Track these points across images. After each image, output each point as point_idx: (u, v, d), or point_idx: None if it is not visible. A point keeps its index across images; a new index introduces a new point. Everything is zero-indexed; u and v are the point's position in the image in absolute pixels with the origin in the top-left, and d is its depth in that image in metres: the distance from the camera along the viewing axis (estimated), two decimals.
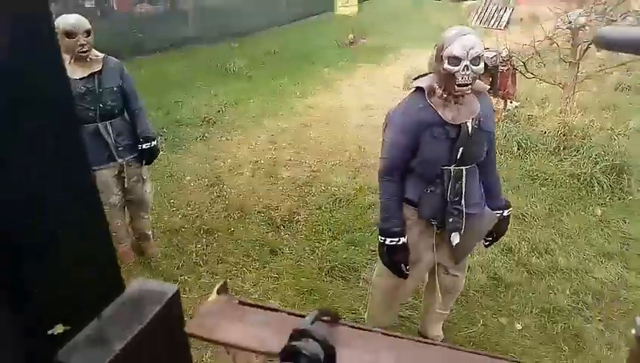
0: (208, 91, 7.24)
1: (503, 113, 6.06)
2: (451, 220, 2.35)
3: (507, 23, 11.35)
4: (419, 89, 2.27)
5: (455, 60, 2.10)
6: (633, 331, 0.68)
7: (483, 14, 11.97)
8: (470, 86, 2.14)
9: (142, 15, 10.31)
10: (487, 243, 2.62)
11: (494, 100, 6.18)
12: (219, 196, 4.68)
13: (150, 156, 3.40)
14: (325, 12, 12.74)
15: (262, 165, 5.23)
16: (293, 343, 0.50)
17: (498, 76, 6.21)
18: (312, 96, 7.22)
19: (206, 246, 3.94)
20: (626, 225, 4.13)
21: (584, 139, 5.28)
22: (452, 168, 2.28)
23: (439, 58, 2.17)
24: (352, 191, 4.67)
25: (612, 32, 0.64)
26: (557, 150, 5.21)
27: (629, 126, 5.69)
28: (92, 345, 0.41)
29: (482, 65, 2.14)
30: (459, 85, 2.12)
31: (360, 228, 4.12)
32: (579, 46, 5.96)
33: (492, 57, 6.24)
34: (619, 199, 4.50)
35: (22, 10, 0.38)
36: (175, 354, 0.49)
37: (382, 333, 0.56)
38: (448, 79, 2.15)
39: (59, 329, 0.41)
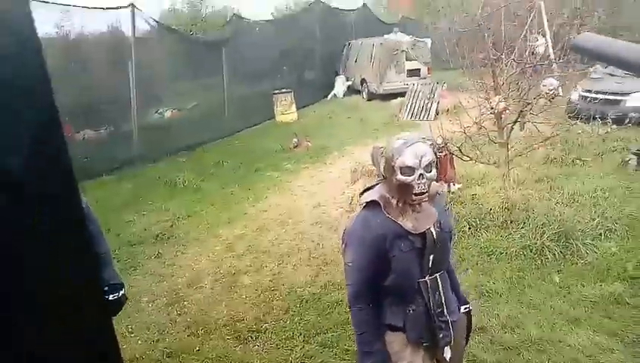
0: (159, 207, 7.17)
1: (449, 196, 6.34)
2: (441, 335, 2.16)
3: (436, 114, 12.25)
4: (372, 203, 2.14)
5: (409, 169, 2.04)
6: None
7: (412, 109, 12.89)
8: (427, 194, 2.07)
9: (85, 141, 10.33)
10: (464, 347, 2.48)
11: (437, 185, 6.50)
12: (179, 314, 4.47)
13: (117, 306, 2.96)
14: (267, 121, 13.30)
15: (222, 275, 5.10)
16: None
17: (437, 162, 6.57)
18: (264, 200, 7.30)
19: None
20: (584, 289, 4.26)
21: (527, 211, 5.56)
22: (427, 279, 2.13)
23: (390, 169, 2.09)
24: (317, 290, 4.61)
25: (587, 40, 0.70)
26: (505, 225, 5.44)
27: (564, 194, 6.08)
28: None
29: (434, 171, 2.09)
30: (417, 194, 2.05)
31: (331, 328, 4.01)
32: (504, 128, 6.48)
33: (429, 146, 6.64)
34: (572, 264, 4.68)
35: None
36: None
37: None
38: (403, 190, 2.07)
39: None
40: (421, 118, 12.39)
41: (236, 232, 6.18)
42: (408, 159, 2.04)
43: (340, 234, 2.29)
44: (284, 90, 13.82)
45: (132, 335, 4.14)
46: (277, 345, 3.91)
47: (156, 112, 13.11)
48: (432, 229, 2.12)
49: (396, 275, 2.10)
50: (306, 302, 4.44)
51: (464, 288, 4.30)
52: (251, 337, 4.02)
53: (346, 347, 3.69)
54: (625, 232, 5.13)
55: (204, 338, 4.04)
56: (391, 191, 2.13)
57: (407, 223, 2.09)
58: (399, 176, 2.05)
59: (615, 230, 5.17)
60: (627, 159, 7.27)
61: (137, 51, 10.06)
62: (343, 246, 2.22)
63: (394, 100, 13.74)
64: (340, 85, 16.67)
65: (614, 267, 4.57)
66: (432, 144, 6.42)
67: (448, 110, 11.60)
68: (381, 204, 2.11)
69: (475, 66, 6.85)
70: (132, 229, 6.42)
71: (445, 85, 12.85)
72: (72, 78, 9.50)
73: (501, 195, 5.96)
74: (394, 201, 2.12)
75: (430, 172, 2.07)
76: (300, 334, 3.99)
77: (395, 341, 2.17)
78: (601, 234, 5.10)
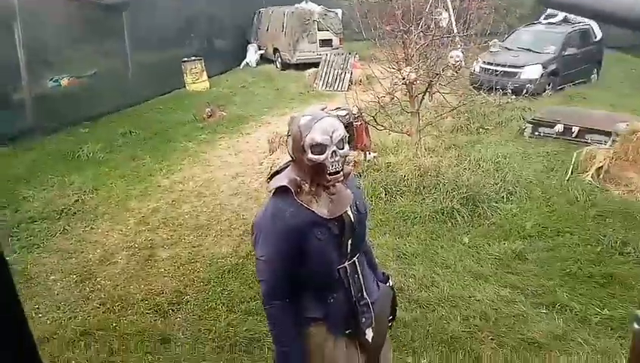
0: (61, 181, 6.61)
1: (365, 164, 6.51)
2: (363, 320, 2.05)
3: (350, 84, 12.43)
4: (282, 189, 1.93)
5: (320, 147, 1.85)
6: (635, 325, 0.72)
7: (326, 79, 12.96)
8: (341, 173, 1.91)
9: None
10: (389, 323, 2.32)
11: (354, 153, 6.64)
12: (92, 291, 4.23)
13: None
14: (176, 90, 12.69)
15: (138, 249, 4.87)
16: None
17: (354, 131, 6.71)
18: (178, 172, 7.02)
19: (86, 350, 3.49)
20: (490, 247, 4.62)
21: (438, 177, 5.86)
22: (346, 264, 2.00)
23: (299, 148, 1.89)
24: (239, 260, 4.56)
25: None
26: (418, 190, 5.70)
27: (470, 161, 6.48)
28: None
29: (347, 147, 1.92)
30: (331, 174, 1.88)
31: (255, 296, 3.99)
32: (415, 97, 6.74)
33: (345, 115, 6.75)
34: (479, 225, 5.04)
35: None
36: None
37: None
38: (317, 170, 1.89)
39: None
40: (335, 88, 12.51)
41: (150, 205, 5.90)
42: (317, 135, 1.85)
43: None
44: (193, 57, 13.22)
45: (40, 316, 3.84)
46: (199, 316, 3.83)
47: (51, 79, 12.01)
48: (349, 212, 1.98)
49: (314, 265, 1.94)
50: (228, 272, 4.38)
51: (384, 251, 4.49)
52: (172, 310, 3.91)
53: None
54: (523, 194, 5.60)
55: (121, 314, 3.86)
56: (302, 174, 1.93)
57: (322, 209, 1.91)
58: (310, 155, 1.86)
59: (515, 192, 5.62)
60: (523, 127, 7.90)
61: (23, 13, 9.06)
62: (253, 238, 2.01)
63: (308, 70, 13.70)
64: (253, 54, 16.29)
65: (515, 226, 4.99)
66: (348, 114, 6.46)
67: (360, 80, 11.81)
68: (292, 190, 1.90)
69: (385, 37, 7.00)
70: (32, 204, 5.89)
71: (357, 55, 13.02)
72: None
73: (414, 162, 6.23)
74: (306, 185, 1.92)
75: (343, 148, 1.89)
76: (224, 304, 3.94)
77: (317, 334, 2.02)
78: (503, 197, 5.53)
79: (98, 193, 6.27)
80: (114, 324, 3.73)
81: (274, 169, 2.09)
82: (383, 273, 2.34)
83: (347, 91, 11.11)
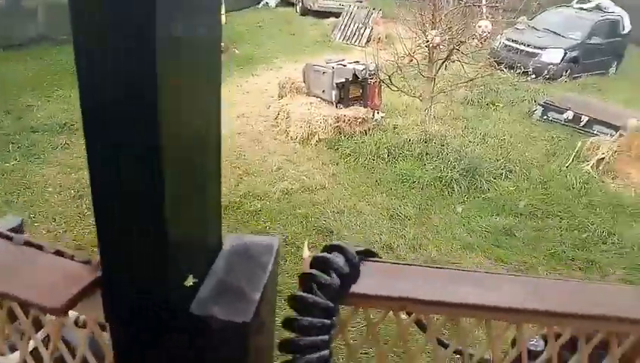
0: (66, 95, 6.56)
1: (372, 123, 6.49)
2: None
3: (368, 40, 12.18)
4: None
5: None
6: None
7: (345, 31, 12.69)
8: None
9: None
10: None
11: (363, 111, 6.60)
12: (89, 208, 4.28)
13: None
14: None
15: None
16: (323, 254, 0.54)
17: (367, 88, 6.65)
18: None
19: None
20: (482, 220, 4.70)
21: (442, 146, 5.88)
22: None
23: None
24: (236, 198, 4.63)
25: None
26: (420, 156, 5.72)
27: (476, 135, 6.48)
28: (226, 296, 0.42)
29: None
30: None
31: (249, 234, 4.08)
32: (435, 63, 6.64)
33: (361, 70, 6.66)
34: (475, 197, 5.10)
35: None
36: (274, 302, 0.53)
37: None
38: None
39: (190, 281, 0.44)
40: (353, 42, 12.27)
41: None
42: None
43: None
44: None
45: (36, 224, 3.93)
46: None
47: None
48: None
49: None
50: (225, 208, 4.44)
51: (378, 210, 4.57)
52: None
53: None
54: (522, 174, 5.64)
55: None
56: None
57: None
58: None
59: (514, 171, 5.66)
60: (534, 109, 7.84)
61: None
62: None
63: (328, 20, 13.39)
64: None
65: (509, 203, 5.05)
66: (365, 69, 6.38)
67: (380, 38, 11.57)
68: None
69: None
70: (35, 115, 5.89)
71: (380, 12, 12.70)
72: None
73: (421, 128, 6.22)
74: None
75: None
76: None
77: None
78: (502, 174, 5.57)
79: None
80: None
81: None
82: None
83: (365, 46, 10.92)
